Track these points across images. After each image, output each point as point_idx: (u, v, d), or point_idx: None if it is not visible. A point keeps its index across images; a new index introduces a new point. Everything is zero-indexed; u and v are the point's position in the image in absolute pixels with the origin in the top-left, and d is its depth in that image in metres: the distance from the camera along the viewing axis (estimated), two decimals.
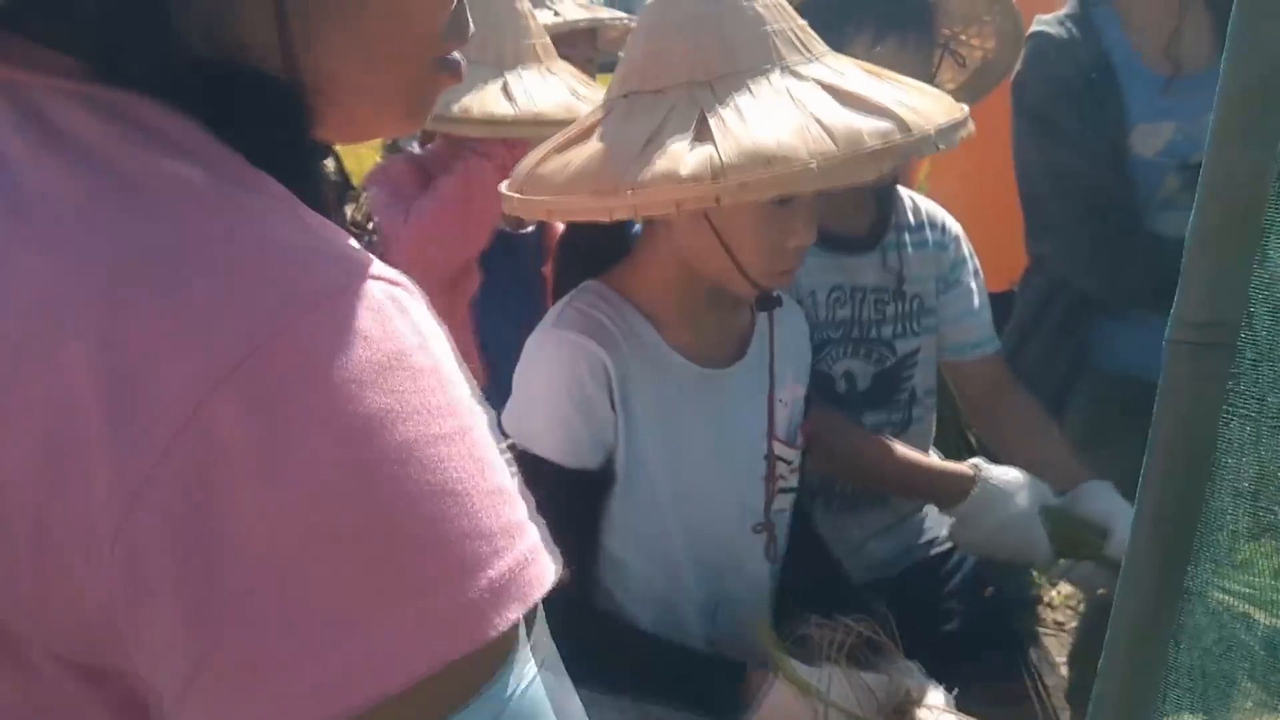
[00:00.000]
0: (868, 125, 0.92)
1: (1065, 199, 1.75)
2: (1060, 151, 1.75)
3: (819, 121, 0.92)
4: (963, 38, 1.66)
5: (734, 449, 1.19)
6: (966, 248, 1.62)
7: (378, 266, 0.43)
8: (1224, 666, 0.69)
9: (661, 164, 0.93)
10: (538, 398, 1.13)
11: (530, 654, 0.44)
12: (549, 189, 1.02)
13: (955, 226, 1.63)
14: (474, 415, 0.43)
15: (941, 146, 0.95)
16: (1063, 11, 1.81)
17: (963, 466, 1.39)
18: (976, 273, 1.63)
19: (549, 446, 1.10)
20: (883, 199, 1.56)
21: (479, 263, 1.79)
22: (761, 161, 0.89)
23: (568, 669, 1.10)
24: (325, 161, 0.58)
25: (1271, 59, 0.56)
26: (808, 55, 1.02)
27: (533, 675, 0.43)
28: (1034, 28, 1.79)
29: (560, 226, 1.84)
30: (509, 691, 0.41)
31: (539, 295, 1.79)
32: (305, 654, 0.37)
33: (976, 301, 1.61)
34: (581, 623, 1.09)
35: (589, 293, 1.17)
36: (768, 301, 1.15)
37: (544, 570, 0.43)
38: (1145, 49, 1.77)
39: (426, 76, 0.54)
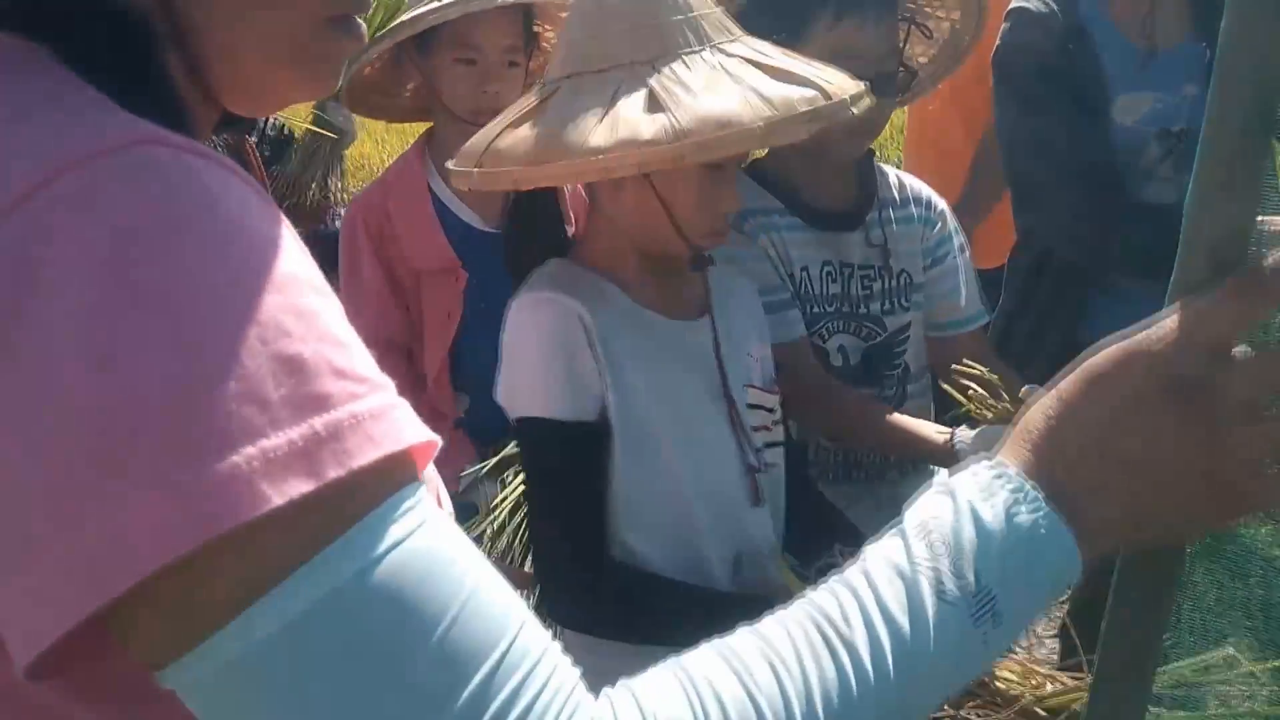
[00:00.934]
0: (796, 93, 1.07)
1: (1049, 169, 1.78)
2: (1042, 123, 1.78)
3: (756, 91, 1.07)
4: (927, 10, 1.67)
5: (708, 395, 1.28)
6: (952, 223, 1.67)
7: (166, 135, 0.43)
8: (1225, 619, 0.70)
9: (623, 131, 1.05)
10: (523, 359, 1.21)
11: (413, 508, 0.44)
12: (513, 160, 1.10)
13: (940, 202, 1.68)
14: (280, 283, 0.42)
15: (855, 111, 1.10)
16: None
17: (942, 437, 1.39)
18: (962, 249, 1.67)
19: (542, 404, 1.18)
20: (863, 175, 1.62)
21: (463, 265, 1.83)
22: (715, 125, 1.02)
23: (592, 625, 1.19)
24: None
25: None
26: (731, 36, 1.16)
27: (407, 533, 0.43)
28: (1013, 4, 1.84)
29: None
30: (375, 550, 0.41)
31: None
32: (54, 540, 0.38)
33: (961, 278, 1.65)
34: (600, 577, 1.19)
35: (553, 264, 1.27)
36: (701, 261, 1.28)
37: (365, 435, 0.42)
38: (1122, 22, 1.81)
39: (321, 34, 0.54)
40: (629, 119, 1.05)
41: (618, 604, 1.19)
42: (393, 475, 0.44)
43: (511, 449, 1.62)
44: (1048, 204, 1.85)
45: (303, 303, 0.43)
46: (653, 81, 1.08)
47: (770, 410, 1.34)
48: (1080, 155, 1.76)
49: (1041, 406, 0.60)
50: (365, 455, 0.41)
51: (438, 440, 0.48)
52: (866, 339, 1.58)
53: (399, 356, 1.86)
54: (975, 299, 1.67)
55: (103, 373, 0.38)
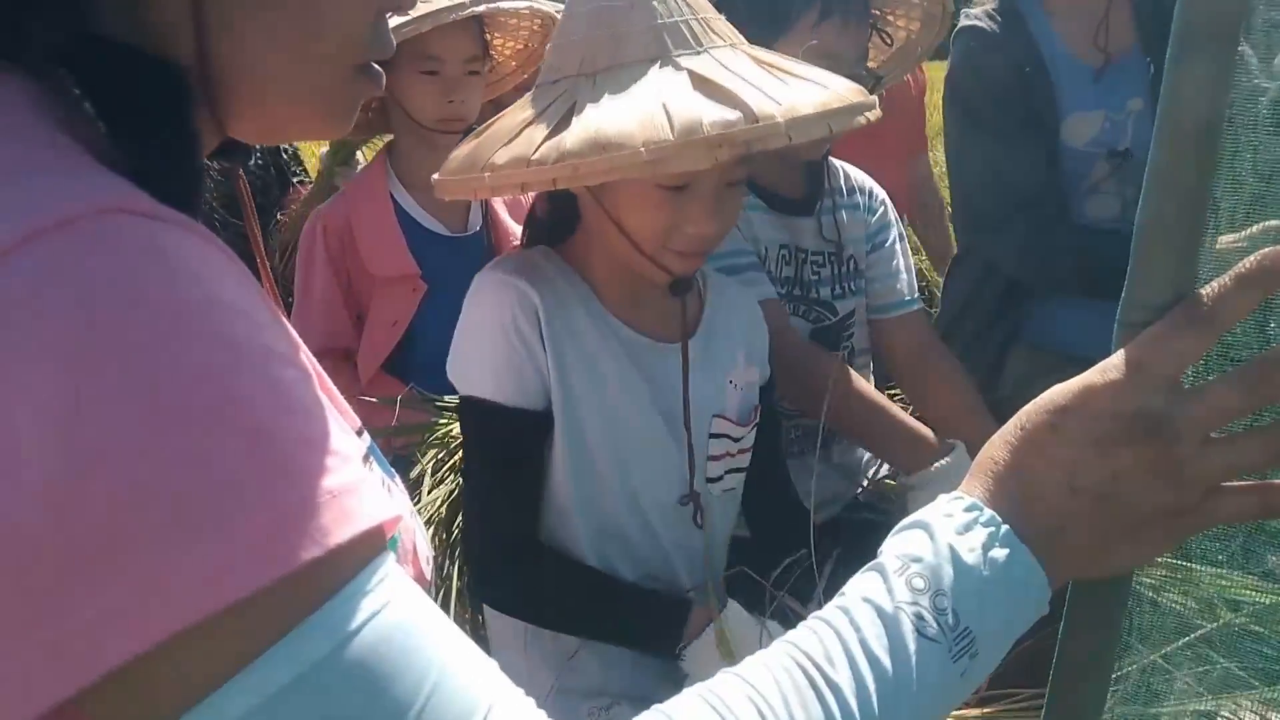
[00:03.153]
0: (712, 115, 0.93)
1: (996, 195, 1.78)
2: (992, 148, 1.78)
3: (666, 110, 0.94)
4: (890, 17, 1.72)
5: (662, 419, 1.20)
6: (892, 213, 1.71)
7: (140, 203, 0.42)
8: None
9: (519, 148, 0.97)
10: (473, 339, 1.16)
11: (384, 579, 0.43)
12: (444, 170, 1.09)
13: (880, 191, 1.71)
14: (250, 356, 0.41)
15: (793, 138, 0.95)
16: (989, 5, 1.83)
17: (928, 432, 1.42)
18: (901, 237, 1.71)
19: (489, 386, 1.14)
20: (812, 170, 1.63)
21: (422, 276, 1.87)
22: (597, 147, 0.92)
23: (518, 607, 1.17)
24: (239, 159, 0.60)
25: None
26: (695, 48, 1.04)
27: (380, 605, 0.42)
28: (963, 23, 1.82)
29: (510, 224, 1.96)
30: (349, 625, 0.41)
31: None
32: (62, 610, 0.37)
33: (899, 263, 1.68)
34: (529, 558, 1.17)
35: (534, 251, 1.22)
36: (679, 285, 1.17)
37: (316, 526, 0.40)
38: (1071, 39, 1.79)
39: (347, 81, 0.55)
40: (531, 136, 0.98)
41: (545, 591, 1.18)
42: (364, 547, 0.43)
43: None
44: (993, 230, 1.84)
45: (273, 375, 0.42)
46: (583, 97, 1.00)
47: (736, 440, 1.27)
48: (1029, 185, 1.76)
49: (1005, 440, 0.61)
50: (339, 534, 0.41)
51: (402, 514, 0.49)
52: (816, 321, 1.61)
53: (339, 359, 1.92)
54: (913, 284, 1.70)
55: (68, 463, 0.36)
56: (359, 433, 0.61)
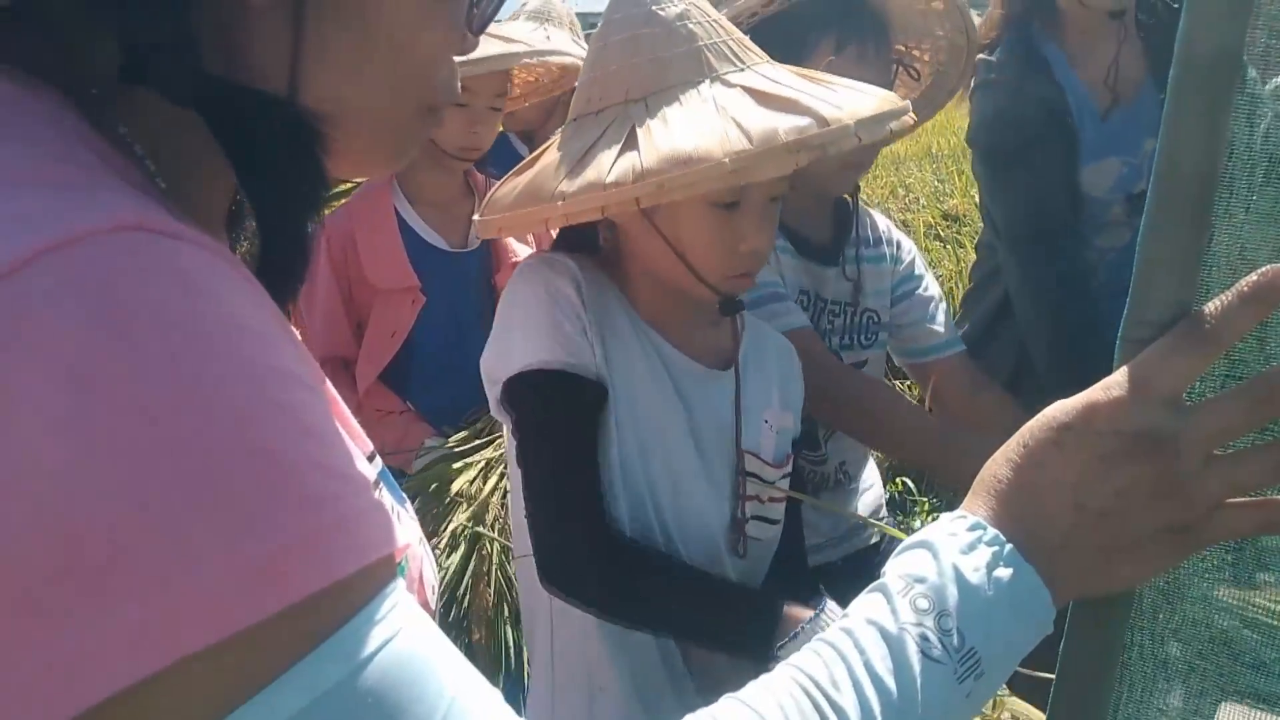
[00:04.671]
0: (785, 123, 0.95)
1: (1019, 242, 1.80)
2: (1015, 201, 1.78)
3: (737, 123, 0.95)
4: (915, 53, 1.69)
5: (701, 445, 1.16)
6: (921, 263, 1.69)
7: (158, 221, 0.41)
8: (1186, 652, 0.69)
9: (589, 173, 0.97)
10: (523, 314, 1.11)
11: (395, 607, 0.43)
12: (499, 209, 1.08)
13: (909, 243, 1.69)
14: (264, 379, 0.40)
15: (862, 138, 0.96)
16: (1000, 51, 1.81)
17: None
18: (930, 285, 1.67)
19: (541, 352, 1.07)
20: (840, 212, 1.61)
21: (421, 289, 1.90)
22: (678, 163, 0.93)
23: (607, 603, 1.08)
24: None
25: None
26: (740, 65, 1.05)
27: (391, 634, 0.42)
28: (982, 73, 1.80)
29: (510, 242, 1.98)
30: (360, 654, 0.40)
31: (486, 307, 1.90)
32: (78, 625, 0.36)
33: (933, 309, 1.65)
34: (613, 551, 1.07)
35: (577, 255, 1.17)
36: (729, 305, 1.16)
37: (331, 550, 0.40)
38: (1089, 81, 1.79)
39: (416, 120, 0.57)
40: (600, 162, 0.98)
41: (635, 587, 1.08)
42: (376, 575, 0.42)
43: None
44: (1014, 278, 1.83)
45: (288, 399, 0.40)
46: (639, 120, 1.00)
47: (768, 482, 1.21)
48: (1050, 231, 1.75)
49: (1006, 458, 0.61)
50: (352, 562, 0.40)
51: (411, 541, 0.49)
52: None
53: (338, 367, 1.94)
54: (951, 328, 1.68)
55: (77, 481, 0.35)
56: (370, 457, 0.61)
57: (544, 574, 1.08)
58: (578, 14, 2.46)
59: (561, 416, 1.09)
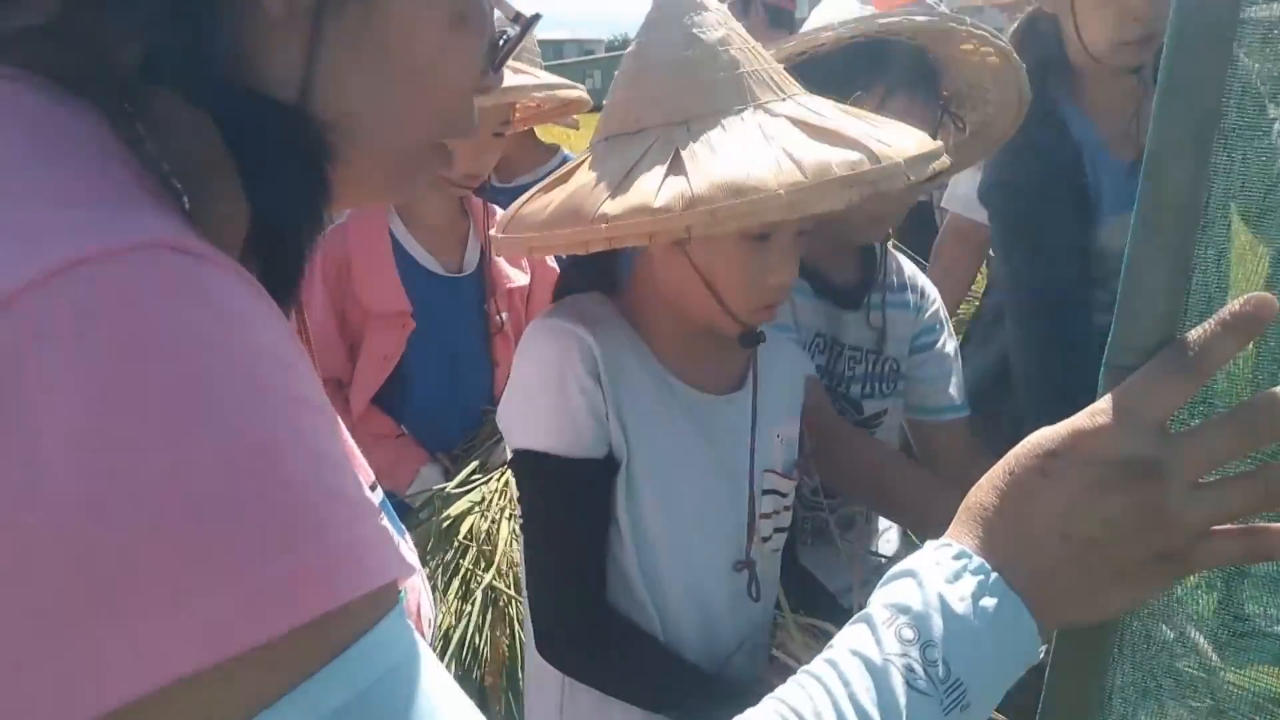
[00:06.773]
0: (837, 156, 0.93)
1: (1023, 306, 1.79)
2: (1021, 270, 1.78)
3: (789, 154, 0.93)
4: (960, 99, 1.63)
5: (723, 478, 1.17)
6: (942, 314, 1.64)
7: (178, 238, 0.40)
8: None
9: (635, 196, 0.94)
10: (530, 388, 1.13)
11: (398, 635, 0.43)
12: (529, 227, 1.04)
13: (934, 292, 1.64)
14: (280, 404, 0.40)
15: (912, 177, 0.95)
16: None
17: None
18: (949, 341, 1.62)
19: (548, 438, 1.09)
20: (866, 256, 1.56)
21: (413, 314, 1.89)
22: (731, 192, 0.90)
23: (589, 673, 1.12)
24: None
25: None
26: (781, 95, 1.04)
27: (394, 662, 0.42)
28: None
29: (505, 267, 1.97)
30: (363, 680, 0.40)
31: (480, 333, 1.92)
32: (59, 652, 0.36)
33: (948, 366, 1.61)
34: (599, 626, 1.13)
35: (588, 297, 1.18)
36: (751, 337, 1.15)
37: (337, 576, 0.40)
38: (1107, 136, 1.77)
39: (427, 152, 0.56)
40: (645, 185, 0.95)
41: (614, 660, 1.14)
42: (381, 601, 0.42)
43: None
44: (1017, 332, 1.83)
45: (303, 425, 0.40)
46: (682, 144, 0.97)
47: (784, 495, 1.24)
48: (1058, 299, 1.74)
49: (991, 485, 0.61)
50: (359, 586, 0.40)
51: (415, 567, 0.48)
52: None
53: (333, 389, 1.91)
54: (962, 390, 1.62)
55: (91, 498, 0.35)
56: (372, 487, 0.61)
57: (539, 645, 1.15)
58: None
59: (559, 502, 1.12)
